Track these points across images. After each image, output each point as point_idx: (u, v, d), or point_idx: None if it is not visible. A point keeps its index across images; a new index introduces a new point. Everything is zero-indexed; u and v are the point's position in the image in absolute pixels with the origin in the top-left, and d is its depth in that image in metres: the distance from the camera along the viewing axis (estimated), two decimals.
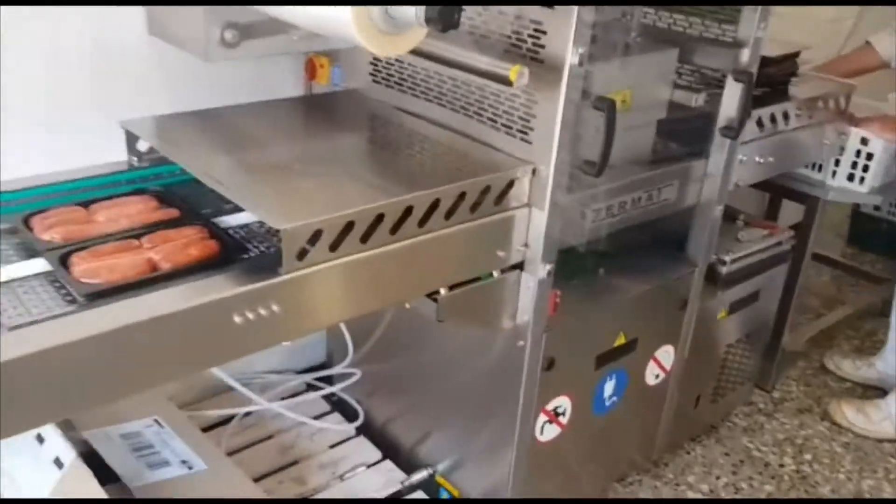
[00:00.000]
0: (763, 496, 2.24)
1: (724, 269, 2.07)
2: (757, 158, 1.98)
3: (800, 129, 2.09)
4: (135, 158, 1.55)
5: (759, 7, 1.66)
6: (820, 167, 2.35)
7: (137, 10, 1.64)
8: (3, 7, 1.49)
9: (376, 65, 1.77)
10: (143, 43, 1.67)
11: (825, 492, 2.28)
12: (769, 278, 2.23)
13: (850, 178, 2.34)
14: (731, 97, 1.74)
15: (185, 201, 1.45)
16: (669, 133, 1.82)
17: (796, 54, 2.14)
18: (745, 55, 1.71)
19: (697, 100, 1.74)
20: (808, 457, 2.40)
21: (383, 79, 1.76)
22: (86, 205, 1.39)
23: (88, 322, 1.07)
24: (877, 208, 3.48)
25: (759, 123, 1.94)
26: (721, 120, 1.77)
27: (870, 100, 2.49)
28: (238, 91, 1.82)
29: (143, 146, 1.54)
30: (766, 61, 1.99)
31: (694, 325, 2.01)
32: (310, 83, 1.94)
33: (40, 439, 1.42)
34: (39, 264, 1.21)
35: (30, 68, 1.57)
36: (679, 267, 1.94)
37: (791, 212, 2.87)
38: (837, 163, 2.33)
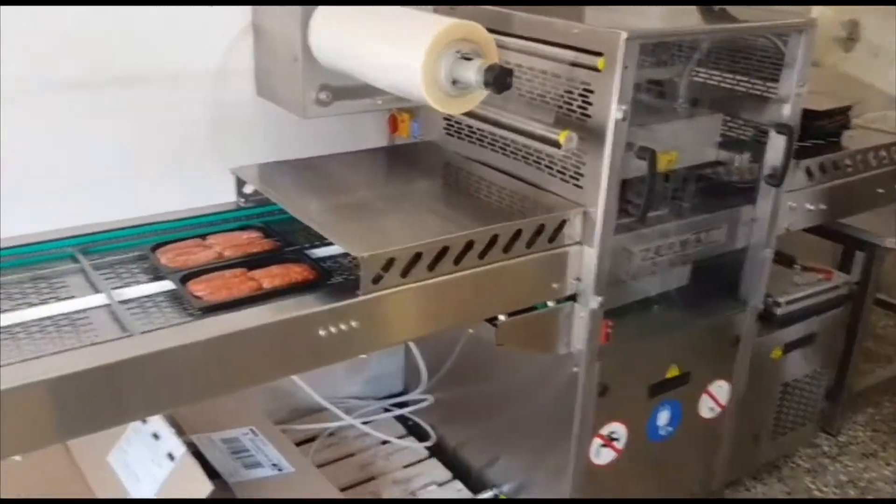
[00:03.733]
0: None
1: (778, 311, 2.18)
2: (807, 206, 2.09)
3: (851, 179, 2.20)
4: (241, 199, 1.80)
5: (798, 68, 1.81)
6: None
7: (248, 76, 1.92)
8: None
9: (449, 120, 1.99)
10: (251, 102, 1.94)
11: None
12: (826, 321, 2.31)
13: None
14: (775, 149, 1.88)
15: (283, 236, 1.69)
16: (719, 179, 1.98)
17: (847, 108, 2.26)
18: (786, 109, 1.86)
19: (742, 160, 1.89)
20: (870, 498, 2.44)
21: (455, 132, 1.98)
22: (203, 237, 1.65)
23: (201, 329, 1.31)
24: None
25: (809, 173, 2.06)
26: (766, 169, 1.92)
27: None
28: (330, 142, 2.05)
29: (248, 189, 1.79)
30: (816, 115, 2.14)
31: (748, 363, 2.12)
32: (392, 135, 2.17)
33: (156, 437, 1.66)
34: (164, 285, 1.46)
35: (161, 123, 1.85)
36: (732, 305, 2.05)
37: None
38: None
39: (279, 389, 2.25)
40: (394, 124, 2.12)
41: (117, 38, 1.75)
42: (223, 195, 1.82)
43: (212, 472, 1.73)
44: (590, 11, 1.79)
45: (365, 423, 2.33)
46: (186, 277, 1.45)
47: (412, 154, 2.07)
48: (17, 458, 1.14)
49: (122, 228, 1.62)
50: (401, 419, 2.41)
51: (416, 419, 2.39)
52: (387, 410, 2.44)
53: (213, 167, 1.85)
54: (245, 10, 1.87)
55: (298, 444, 2.23)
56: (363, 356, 1.47)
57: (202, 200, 1.81)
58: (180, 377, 1.27)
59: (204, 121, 1.91)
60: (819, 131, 2.17)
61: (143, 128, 1.84)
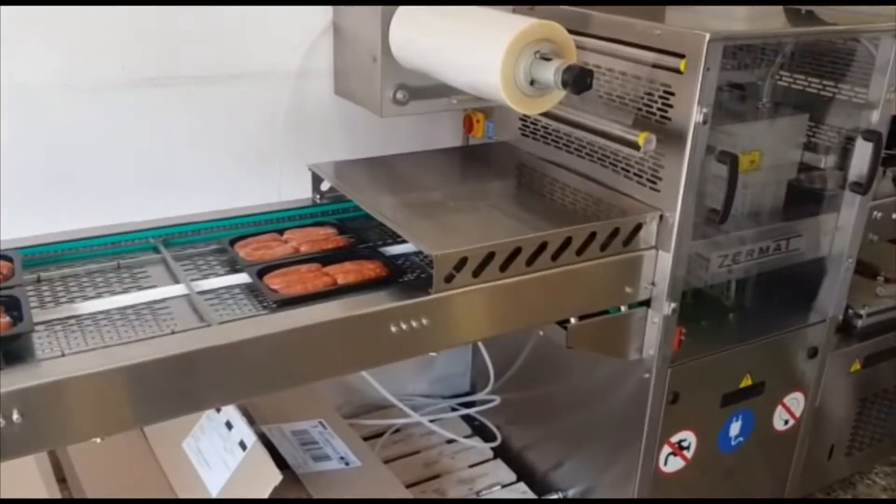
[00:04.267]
0: None
1: (859, 323, 2.11)
2: (894, 216, 2.03)
3: None
4: (318, 196, 1.83)
5: (889, 72, 1.75)
6: None
7: (328, 75, 1.95)
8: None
9: (525, 121, 1.98)
10: (330, 101, 1.98)
11: None
12: None
13: None
14: (861, 156, 1.82)
15: (358, 232, 1.71)
16: (803, 186, 1.92)
17: None
18: (874, 116, 1.80)
19: (826, 162, 1.83)
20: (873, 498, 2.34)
21: (530, 133, 1.97)
22: (280, 231, 1.68)
23: (277, 322, 1.33)
24: None
25: None
26: (851, 176, 1.86)
27: None
28: (406, 142, 2.08)
29: (325, 186, 1.82)
30: None
31: (826, 375, 2.06)
32: (467, 136, 2.17)
33: (229, 426, 1.70)
34: (241, 277, 1.49)
35: (242, 120, 1.90)
36: (810, 316, 2.00)
37: None
38: None
39: (348, 385, 2.28)
40: (469, 124, 2.12)
41: (200, 36, 1.80)
42: (300, 192, 1.85)
43: (281, 463, 1.76)
44: (671, 11, 1.76)
45: (431, 421, 2.35)
46: (263, 271, 1.47)
47: (486, 154, 2.07)
48: (98, 440, 1.17)
49: (203, 222, 1.65)
50: (467, 419, 2.41)
51: (483, 419, 2.39)
52: (453, 410, 2.45)
53: (291, 164, 1.89)
54: (326, 10, 1.90)
55: (365, 439, 2.25)
56: (433, 354, 1.48)
57: (280, 196, 1.85)
58: (254, 368, 1.29)
59: (283, 119, 1.95)
60: None
61: (225, 125, 1.89)
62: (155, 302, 1.39)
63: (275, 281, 1.43)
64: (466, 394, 2.50)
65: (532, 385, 2.21)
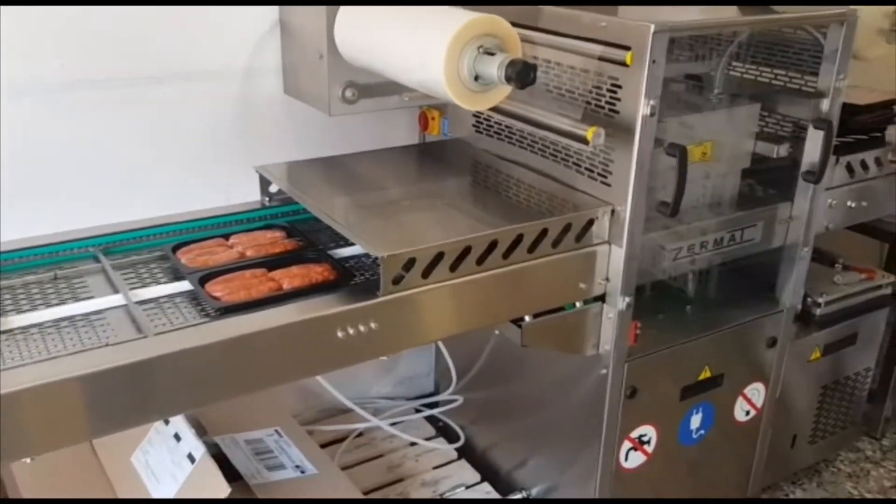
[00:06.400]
0: None
1: (817, 311, 2.12)
2: (849, 203, 2.03)
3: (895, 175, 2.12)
4: (266, 198, 1.79)
5: (838, 60, 1.75)
6: None
7: (276, 74, 1.91)
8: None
9: (478, 118, 1.95)
10: (280, 100, 1.93)
11: None
12: (868, 322, 2.23)
13: None
14: (813, 145, 1.82)
15: (307, 235, 1.67)
16: (755, 176, 1.92)
17: (892, 102, 2.17)
18: (825, 104, 1.79)
19: (779, 151, 1.82)
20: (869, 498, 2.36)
21: (484, 129, 1.95)
22: (226, 236, 1.64)
23: (217, 331, 1.29)
24: None
25: (850, 169, 1.99)
26: (804, 165, 1.85)
27: None
28: (361, 140, 2.04)
29: (273, 188, 1.78)
30: (857, 109, 2.06)
31: (786, 365, 2.06)
32: (423, 133, 2.14)
33: (177, 438, 1.66)
34: (183, 285, 1.45)
35: (186, 121, 1.85)
36: (768, 306, 1.99)
37: None
38: None
39: (308, 389, 2.24)
40: (424, 122, 2.10)
41: (143, 36, 1.75)
42: (252, 194, 1.81)
43: (234, 474, 1.72)
44: (625, 7, 1.74)
45: (394, 424, 2.32)
46: (205, 278, 1.43)
47: (441, 152, 2.04)
48: (27, 460, 1.13)
49: (145, 228, 1.61)
50: (431, 420, 2.39)
51: (447, 420, 2.36)
52: (418, 411, 2.42)
53: (239, 166, 1.85)
54: (272, 8, 1.85)
55: (327, 444, 2.23)
56: (384, 358, 1.44)
57: (228, 200, 1.80)
58: (197, 378, 1.25)
59: (230, 119, 1.90)
60: (861, 126, 2.09)
61: (169, 127, 1.84)
62: (92, 313, 1.35)
63: (217, 288, 1.40)
64: (431, 394, 2.48)
65: (494, 384, 2.19)
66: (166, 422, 1.66)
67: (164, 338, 1.27)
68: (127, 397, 1.21)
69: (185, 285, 1.44)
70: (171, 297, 1.42)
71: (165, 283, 1.47)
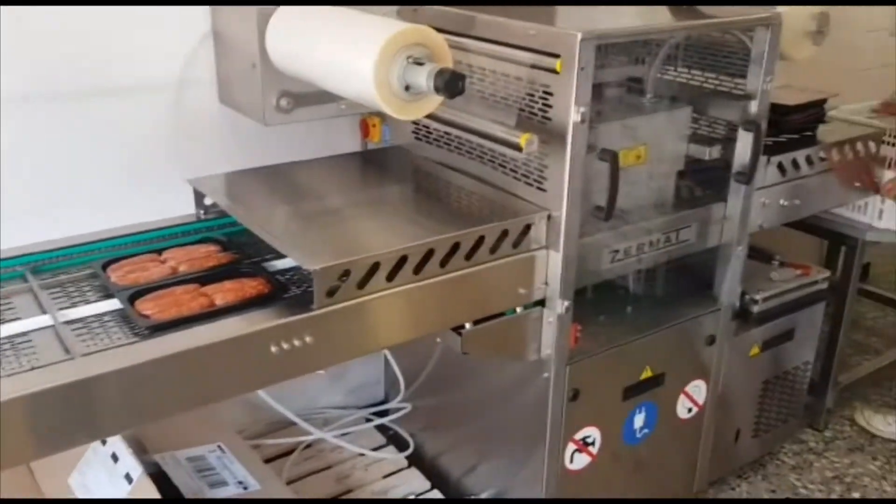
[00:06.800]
0: None
1: (755, 308, 2.15)
2: (781, 202, 2.07)
3: (826, 173, 2.16)
4: (201, 211, 1.77)
5: (764, 63, 1.78)
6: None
7: (211, 84, 1.88)
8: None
9: (417, 125, 1.95)
10: (217, 111, 1.90)
11: None
12: (805, 317, 2.28)
13: None
14: (743, 146, 1.85)
15: (244, 248, 1.65)
16: (690, 178, 1.95)
17: (822, 101, 2.22)
18: (753, 106, 1.83)
19: (711, 153, 1.85)
20: (856, 495, 2.41)
21: (423, 137, 1.95)
22: (159, 252, 1.61)
23: (145, 350, 1.26)
24: None
25: (781, 168, 2.03)
26: (735, 166, 1.88)
27: None
28: (302, 149, 2.02)
29: (208, 201, 1.76)
30: (788, 110, 2.11)
31: (726, 361, 2.10)
32: (365, 140, 2.13)
33: (115, 458, 1.63)
34: (113, 303, 1.42)
35: (118, 135, 1.81)
36: (706, 304, 2.03)
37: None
38: None
39: (253, 404, 2.20)
40: (365, 129, 2.09)
41: (68, 45, 1.70)
42: (186, 207, 1.78)
43: (175, 493, 1.69)
44: (563, 12, 1.76)
45: (343, 434, 2.30)
46: (135, 295, 1.41)
47: (382, 159, 2.04)
48: None
49: (74, 245, 1.58)
50: (381, 428, 2.37)
51: (396, 428, 2.36)
52: (368, 420, 2.41)
53: (174, 179, 1.81)
54: (205, 17, 1.83)
55: (275, 458, 2.20)
56: (321, 372, 1.43)
57: (163, 214, 1.77)
58: (127, 398, 1.23)
59: (164, 131, 1.87)
60: (792, 126, 2.14)
61: (104, 141, 1.80)
62: (17, 335, 1.32)
63: (147, 305, 1.37)
64: (381, 402, 2.47)
65: (442, 391, 2.19)
66: (103, 442, 1.63)
67: (90, 359, 1.24)
68: (57, 419, 1.19)
69: (115, 303, 1.42)
70: (99, 316, 1.39)
71: (95, 301, 1.44)
